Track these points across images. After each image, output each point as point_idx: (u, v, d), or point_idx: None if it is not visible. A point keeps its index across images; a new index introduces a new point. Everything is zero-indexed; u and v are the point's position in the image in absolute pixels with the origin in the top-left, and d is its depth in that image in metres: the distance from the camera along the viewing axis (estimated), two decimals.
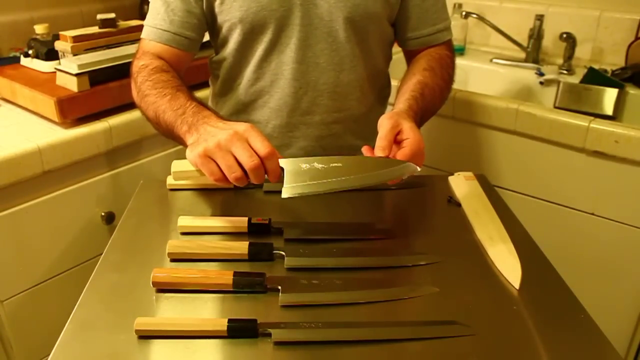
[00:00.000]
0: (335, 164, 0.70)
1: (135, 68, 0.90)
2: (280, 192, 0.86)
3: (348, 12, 0.88)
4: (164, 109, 0.81)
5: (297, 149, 0.98)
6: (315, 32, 0.89)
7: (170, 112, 0.80)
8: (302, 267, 0.68)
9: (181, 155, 0.85)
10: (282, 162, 0.70)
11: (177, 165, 0.81)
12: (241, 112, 0.98)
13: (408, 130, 0.74)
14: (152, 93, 0.84)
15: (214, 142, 0.68)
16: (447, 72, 0.95)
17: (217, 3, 0.89)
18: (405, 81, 0.92)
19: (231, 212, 0.82)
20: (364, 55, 0.94)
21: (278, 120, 0.95)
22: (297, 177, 0.68)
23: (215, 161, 0.69)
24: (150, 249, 0.72)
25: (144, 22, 0.93)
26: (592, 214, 1.17)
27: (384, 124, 0.74)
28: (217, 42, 0.97)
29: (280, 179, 0.69)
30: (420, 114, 0.84)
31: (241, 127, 0.70)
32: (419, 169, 0.72)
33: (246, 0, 0.87)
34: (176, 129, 0.78)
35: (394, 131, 0.73)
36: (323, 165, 0.70)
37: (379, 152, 0.71)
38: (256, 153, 0.67)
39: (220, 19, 0.91)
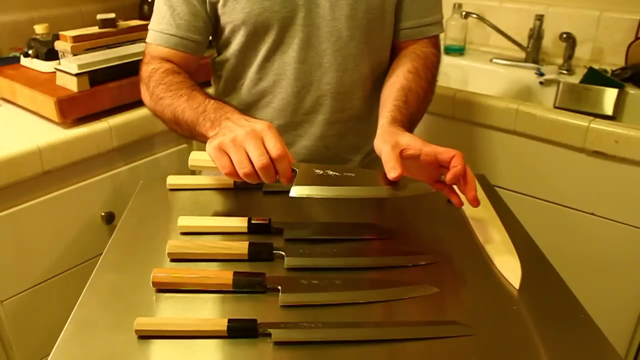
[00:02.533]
0: (349, 174, 0.71)
1: (145, 73, 0.90)
2: (280, 192, 0.87)
3: (350, 10, 0.88)
4: (183, 109, 0.82)
5: (300, 148, 0.98)
6: (317, 32, 0.89)
7: (190, 112, 0.81)
8: (302, 267, 0.68)
9: (182, 155, 0.86)
10: (296, 166, 0.70)
11: (194, 156, 0.81)
12: (244, 112, 0.98)
13: (414, 142, 0.73)
14: (167, 95, 0.85)
15: (230, 137, 0.70)
16: (431, 73, 0.93)
17: (219, 5, 0.89)
18: (387, 86, 0.90)
19: (231, 212, 0.82)
20: (368, 54, 0.94)
21: (281, 120, 0.95)
22: (307, 179, 0.69)
23: (229, 155, 0.69)
24: (150, 249, 0.72)
25: (149, 27, 0.93)
26: (592, 214, 1.17)
27: (384, 148, 0.72)
28: (220, 43, 0.97)
29: (291, 181, 0.70)
30: (408, 122, 0.83)
31: (259, 125, 0.71)
32: (433, 190, 0.72)
33: (249, 2, 0.87)
34: (198, 127, 0.79)
35: (396, 150, 0.72)
36: (336, 173, 0.71)
37: (391, 173, 0.69)
38: (268, 153, 0.68)
39: (223, 20, 0.91)
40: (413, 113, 0.85)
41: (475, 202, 0.71)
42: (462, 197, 0.76)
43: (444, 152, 0.71)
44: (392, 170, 0.69)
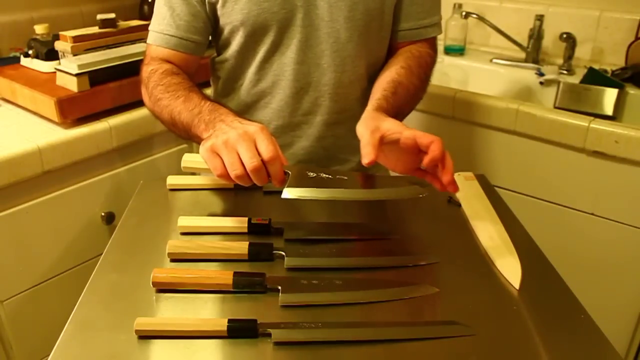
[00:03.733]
0: (342, 177, 0.71)
1: (145, 74, 0.91)
2: (280, 192, 0.87)
3: (348, 11, 0.88)
4: (180, 110, 0.82)
5: (298, 149, 0.98)
6: (316, 33, 0.89)
7: (186, 113, 0.81)
8: (302, 267, 0.68)
9: (182, 156, 0.86)
10: (289, 168, 0.70)
11: (187, 158, 0.81)
12: (243, 112, 0.98)
13: (396, 126, 0.73)
14: (165, 96, 0.85)
15: (223, 139, 0.70)
16: (424, 72, 0.93)
17: (219, 6, 0.89)
18: (378, 79, 0.91)
19: (231, 212, 0.82)
20: (367, 54, 0.94)
21: (280, 121, 0.95)
22: (300, 181, 0.69)
23: (221, 157, 0.70)
24: (150, 249, 0.72)
25: (149, 28, 0.94)
26: (592, 214, 1.17)
27: (364, 134, 0.73)
28: (219, 43, 0.97)
29: (283, 184, 0.70)
30: (394, 112, 0.83)
31: (252, 127, 0.71)
32: (426, 193, 0.72)
33: (247, 3, 0.87)
34: (193, 129, 0.79)
35: (376, 135, 0.72)
36: (329, 176, 0.71)
37: (364, 159, 0.70)
38: (260, 155, 0.68)
39: (222, 21, 0.91)
40: (401, 106, 0.86)
41: (452, 187, 0.70)
42: (461, 197, 0.76)
43: (423, 137, 0.71)
44: (366, 156, 0.70)
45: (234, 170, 0.68)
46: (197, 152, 0.80)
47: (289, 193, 0.68)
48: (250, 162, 0.67)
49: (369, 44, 0.93)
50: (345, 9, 0.88)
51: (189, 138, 0.84)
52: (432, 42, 0.98)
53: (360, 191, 0.70)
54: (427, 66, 0.94)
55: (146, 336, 0.57)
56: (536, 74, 1.54)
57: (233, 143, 0.69)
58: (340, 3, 0.87)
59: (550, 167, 1.20)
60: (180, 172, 0.85)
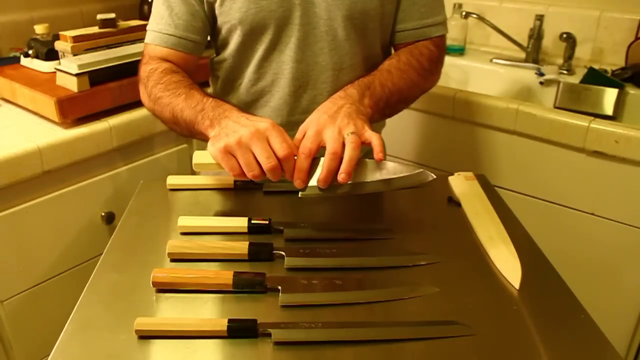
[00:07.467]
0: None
1: (143, 73, 0.91)
2: (280, 192, 0.87)
3: (346, 10, 0.88)
4: (182, 108, 0.82)
5: None
6: (314, 31, 0.89)
7: (188, 110, 0.81)
8: (302, 267, 0.68)
9: (182, 155, 0.86)
10: None
11: (198, 156, 0.82)
12: (242, 111, 0.98)
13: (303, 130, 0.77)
14: (165, 95, 0.85)
15: (235, 139, 0.70)
16: (416, 60, 0.92)
17: (217, 5, 0.89)
18: None
19: (231, 212, 0.82)
20: (364, 53, 0.94)
21: (279, 119, 0.96)
22: (315, 178, 0.71)
23: (235, 157, 0.70)
24: (150, 249, 0.72)
25: (148, 27, 0.94)
26: (592, 214, 1.17)
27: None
28: (218, 43, 0.97)
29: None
30: (360, 93, 0.84)
31: (263, 124, 0.71)
32: (434, 176, 0.74)
33: (245, 2, 0.87)
34: (197, 126, 0.80)
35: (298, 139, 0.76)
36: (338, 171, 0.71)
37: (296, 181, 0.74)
38: (275, 153, 0.69)
39: (220, 20, 0.91)
40: (376, 85, 0.87)
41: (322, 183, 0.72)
42: (461, 197, 0.75)
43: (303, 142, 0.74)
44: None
45: (252, 171, 0.70)
46: (200, 150, 0.80)
47: (306, 191, 0.70)
48: (267, 162, 0.69)
49: (366, 42, 0.93)
50: (343, 7, 0.88)
51: (192, 135, 0.84)
52: (436, 42, 0.97)
53: (374, 182, 0.72)
54: (419, 56, 0.93)
55: (146, 336, 0.57)
56: (536, 74, 1.54)
57: (247, 142, 0.70)
58: (338, 2, 0.87)
59: (550, 167, 1.20)
60: (180, 171, 0.86)
